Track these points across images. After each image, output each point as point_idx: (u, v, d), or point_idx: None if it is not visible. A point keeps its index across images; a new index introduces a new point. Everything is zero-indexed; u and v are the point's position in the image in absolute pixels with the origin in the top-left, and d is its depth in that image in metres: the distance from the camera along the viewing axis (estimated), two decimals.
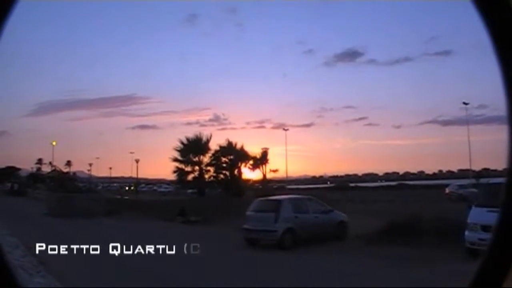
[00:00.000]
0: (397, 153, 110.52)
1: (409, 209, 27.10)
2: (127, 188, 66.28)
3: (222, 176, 33.22)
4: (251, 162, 36.02)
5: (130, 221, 25.83)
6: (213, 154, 33.18)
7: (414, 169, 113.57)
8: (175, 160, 32.21)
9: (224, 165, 33.47)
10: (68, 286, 9.72)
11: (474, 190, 37.18)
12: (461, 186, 41.91)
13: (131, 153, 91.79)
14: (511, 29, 1.33)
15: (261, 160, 35.37)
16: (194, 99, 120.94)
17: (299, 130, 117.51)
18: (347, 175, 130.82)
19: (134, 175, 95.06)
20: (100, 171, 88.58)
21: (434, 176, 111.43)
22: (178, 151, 32.31)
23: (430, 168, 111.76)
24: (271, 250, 15.40)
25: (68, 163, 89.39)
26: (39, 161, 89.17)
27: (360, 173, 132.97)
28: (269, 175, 36.66)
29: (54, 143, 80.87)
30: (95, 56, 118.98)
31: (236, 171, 33.82)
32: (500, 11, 1.33)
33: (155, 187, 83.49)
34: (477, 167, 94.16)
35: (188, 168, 32.33)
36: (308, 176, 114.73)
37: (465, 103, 58.74)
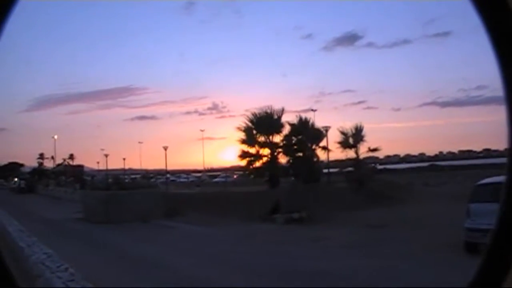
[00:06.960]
0: (397, 136, 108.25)
1: None
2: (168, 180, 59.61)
3: (298, 160, 26.86)
4: (340, 141, 29.56)
5: (213, 225, 19.22)
6: (290, 133, 26.59)
7: (414, 151, 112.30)
8: (243, 142, 25.57)
9: (296, 146, 27.13)
10: None
11: None
12: None
13: (139, 143, 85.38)
14: (509, 29, 1.34)
15: (355, 138, 28.87)
16: (191, 88, 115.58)
17: (297, 115, 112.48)
18: (348, 159, 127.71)
19: (140, 167, 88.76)
20: (101, 164, 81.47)
21: (435, 158, 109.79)
22: (243, 131, 25.68)
23: (430, 150, 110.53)
24: None
25: (71, 157, 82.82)
26: (41, 156, 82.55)
27: (361, 157, 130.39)
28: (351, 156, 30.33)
29: (55, 137, 74.25)
30: (90, 48, 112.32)
31: (311, 154, 27.56)
32: (498, 11, 1.33)
33: (172, 178, 77.25)
34: (477, 147, 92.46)
35: (254, 151, 25.87)
36: None
37: None
